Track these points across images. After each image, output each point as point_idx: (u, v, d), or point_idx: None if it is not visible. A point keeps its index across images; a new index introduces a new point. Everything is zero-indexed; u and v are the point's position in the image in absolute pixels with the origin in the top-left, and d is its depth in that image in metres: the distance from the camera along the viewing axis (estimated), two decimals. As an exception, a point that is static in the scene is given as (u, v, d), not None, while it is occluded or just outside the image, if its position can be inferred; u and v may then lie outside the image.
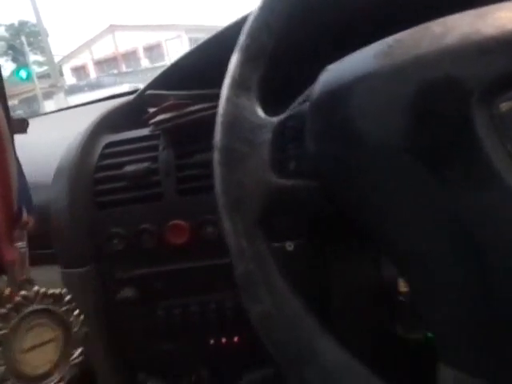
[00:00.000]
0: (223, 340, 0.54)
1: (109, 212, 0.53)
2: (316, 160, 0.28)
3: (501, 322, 0.22)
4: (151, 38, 19.90)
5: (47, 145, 0.70)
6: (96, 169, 0.55)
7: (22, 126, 0.45)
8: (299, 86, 0.30)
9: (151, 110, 0.56)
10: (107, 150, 0.56)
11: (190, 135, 0.53)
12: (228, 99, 0.30)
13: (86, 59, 21.95)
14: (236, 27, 0.32)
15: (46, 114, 0.93)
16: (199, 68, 0.59)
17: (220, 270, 0.51)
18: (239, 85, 0.30)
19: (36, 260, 0.62)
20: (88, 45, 21.75)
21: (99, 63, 21.95)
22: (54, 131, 0.78)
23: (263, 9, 0.31)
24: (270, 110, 0.31)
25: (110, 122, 0.60)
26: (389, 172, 0.24)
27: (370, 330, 0.48)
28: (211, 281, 0.52)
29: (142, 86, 0.65)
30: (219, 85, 0.33)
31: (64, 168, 0.55)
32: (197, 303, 0.53)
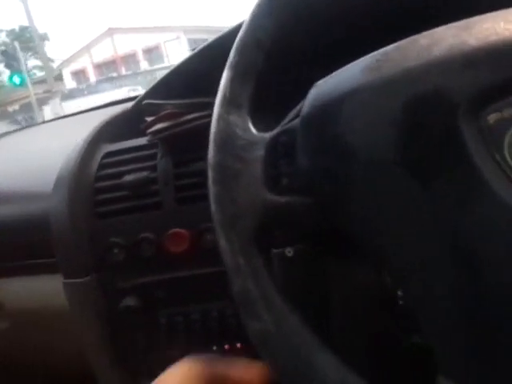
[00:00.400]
0: (226, 346, 0.54)
1: (109, 222, 0.54)
2: (308, 175, 0.28)
3: (495, 334, 0.22)
4: (150, 39, 19.90)
5: (47, 153, 0.70)
6: (96, 179, 0.55)
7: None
8: (291, 101, 0.31)
9: (149, 118, 0.57)
10: (106, 160, 0.57)
11: (187, 144, 0.53)
12: (219, 117, 0.31)
13: (85, 63, 21.98)
14: (233, 34, 0.32)
15: (45, 122, 0.94)
16: (197, 75, 0.59)
17: (221, 277, 0.51)
18: (230, 102, 0.31)
19: (39, 269, 0.62)
20: (87, 48, 21.78)
21: (99, 66, 21.98)
22: (53, 139, 0.79)
23: (251, 25, 0.31)
24: (262, 125, 0.31)
25: (108, 131, 0.60)
26: (380, 185, 0.24)
27: (371, 335, 0.48)
28: (212, 288, 0.52)
29: (141, 88, 0.66)
30: (216, 93, 0.33)
31: (64, 178, 0.55)
32: (198, 311, 0.53)
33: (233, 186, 0.29)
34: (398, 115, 0.23)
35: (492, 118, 0.22)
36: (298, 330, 0.27)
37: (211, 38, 0.60)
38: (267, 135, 0.30)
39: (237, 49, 0.31)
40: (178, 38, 18.70)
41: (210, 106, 0.52)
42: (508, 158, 0.21)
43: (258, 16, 0.31)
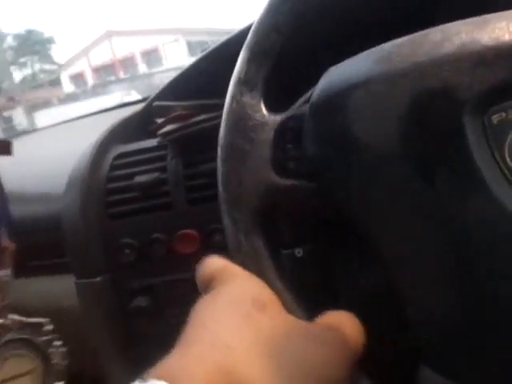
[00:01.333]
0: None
1: (120, 222, 0.54)
2: (313, 161, 0.28)
3: (492, 329, 0.23)
4: (148, 42, 19.88)
5: (59, 155, 0.71)
6: (107, 180, 0.56)
7: (5, 148, 0.42)
8: (306, 85, 0.31)
9: (159, 120, 0.57)
10: (117, 161, 0.57)
11: (197, 145, 0.54)
12: (233, 97, 0.31)
13: (83, 66, 21.96)
14: (243, 36, 0.32)
15: (56, 124, 0.95)
16: (206, 78, 0.60)
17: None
18: (244, 83, 0.31)
19: (51, 269, 0.63)
20: (85, 51, 21.76)
21: (97, 70, 21.97)
22: (64, 141, 0.79)
23: (271, 8, 0.31)
24: (276, 107, 0.31)
25: (119, 133, 0.61)
26: (383, 177, 0.25)
27: (378, 337, 0.49)
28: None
29: (136, 93, 0.66)
30: (226, 94, 0.33)
31: (76, 179, 0.56)
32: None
33: (240, 166, 0.30)
34: (405, 109, 0.23)
35: (496, 118, 0.22)
36: (292, 307, 0.29)
37: (210, 40, 0.61)
38: (278, 117, 0.30)
39: (255, 30, 0.31)
40: (176, 40, 18.68)
41: (219, 107, 0.53)
42: (508, 159, 0.21)
43: (276, 0, 0.31)
